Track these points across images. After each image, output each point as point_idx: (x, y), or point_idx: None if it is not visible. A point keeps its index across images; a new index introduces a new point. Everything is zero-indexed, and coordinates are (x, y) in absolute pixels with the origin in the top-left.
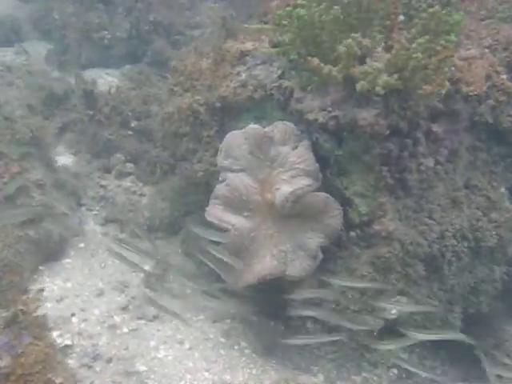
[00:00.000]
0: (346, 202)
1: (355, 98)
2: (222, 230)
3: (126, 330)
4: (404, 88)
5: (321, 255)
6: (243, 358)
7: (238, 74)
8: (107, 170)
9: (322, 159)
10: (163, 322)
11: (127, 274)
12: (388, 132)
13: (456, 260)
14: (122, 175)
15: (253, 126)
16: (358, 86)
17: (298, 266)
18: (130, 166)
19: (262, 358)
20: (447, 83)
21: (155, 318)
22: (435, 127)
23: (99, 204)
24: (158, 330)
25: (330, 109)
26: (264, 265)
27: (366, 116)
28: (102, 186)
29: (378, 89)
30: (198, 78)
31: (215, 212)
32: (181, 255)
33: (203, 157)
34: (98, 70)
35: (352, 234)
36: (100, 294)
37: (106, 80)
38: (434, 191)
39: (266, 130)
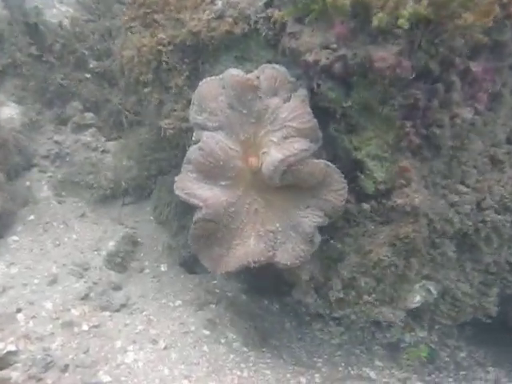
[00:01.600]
0: (356, 167)
1: (369, 32)
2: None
3: (85, 327)
4: (435, 18)
5: (319, 238)
6: (231, 356)
7: (213, 1)
8: (62, 122)
9: (324, 113)
10: (132, 313)
11: (87, 253)
12: (413, 75)
13: (495, 236)
14: (80, 128)
15: (232, 72)
16: (375, 21)
17: (289, 251)
18: (89, 117)
19: (255, 351)
20: (497, 8)
21: (122, 306)
22: (474, 66)
23: (53, 164)
24: (126, 325)
25: (334, 46)
26: (247, 248)
27: (385, 55)
28: (56, 142)
29: (401, 22)
30: (161, 10)
31: (184, 184)
32: (153, 224)
33: (172, 111)
34: None
35: (365, 206)
36: (53, 281)
37: (60, 10)
38: (468, 149)
39: (250, 76)
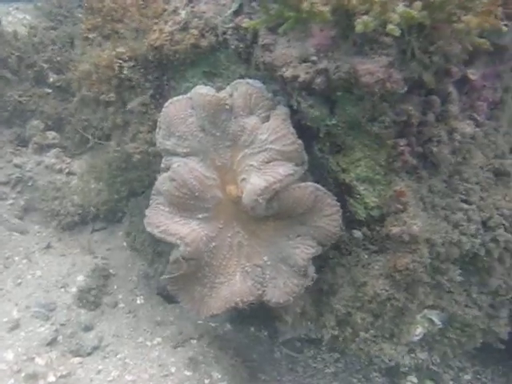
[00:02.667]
0: (345, 190)
1: (353, 41)
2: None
3: (52, 378)
4: (430, 22)
5: (313, 270)
6: None
7: (175, 11)
8: (22, 143)
9: (307, 132)
10: (105, 357)
11: (53, 291)
12: (406, 88)
13: (508, 256)
14: (42, 149)
15: (201, 90)
16: (360, 26)
17: (281, 287)
18: (52, 136)
19: None
20: (498, 10)
21: (94, 349)
22: (472, 73)
23: (15, 190)
24: (99, 372)
25: (314, 59)
26: (233, 287)
27: (372, 68)
28: (16, 166)
29: (391, 28)
30: (120, 19)
31: (157, 219)
32: (126, 250)
33: (137, 133)
34: (2, 5)
35: (356, 233)
36: (14, 326)
37: (16, 17)
38: (469, 164)
39: (222, 94)
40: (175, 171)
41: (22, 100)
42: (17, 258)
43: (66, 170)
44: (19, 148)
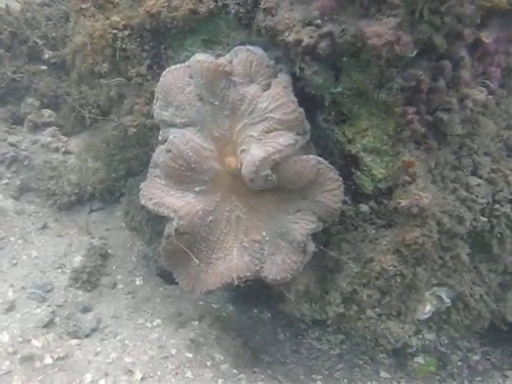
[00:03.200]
0: (351, 162)
1: (360, 2)
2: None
3: (49, 360)
4: None
5: (313, 246)
6: (220, 381)
7: None
8: (17, 121)
9: (311, 101)
10: (104, 339)
11: (50, 272)
12: (415, 52)
13: (510, 233)
14: (37, 127)
15: (199, 57)
16: None
17: (279, 264)
18: (47, 114)
19: (246, 373)
20: None
21: (93, 331)
22: (485, 36)
23: (10, 169)
24: (97, 354)
25: (318, 22)
26: (230, 262)
27: (380, 30)
28: (11, 145)
29: None
30: None
31: (152, 191)
32: (125, 230)
33: (134, 105)
34: None
35: (363, 207)
36: (10, 308)
37: None
38: (480, 134)
39: (221, 60)
40: (171, 142)
41: (15, 77)
42: (12, 239)
43: (63, 149)
44: (14, 126)
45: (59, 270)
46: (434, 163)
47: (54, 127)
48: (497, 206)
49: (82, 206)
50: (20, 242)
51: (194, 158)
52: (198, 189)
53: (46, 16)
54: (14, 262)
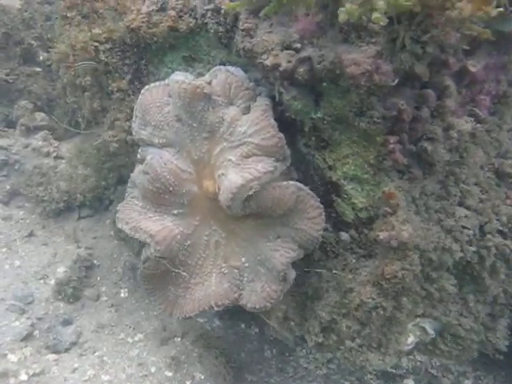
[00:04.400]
0: (332, 189)
1: (339, 28)
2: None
3: (24, 376)
4: (422, 9)
5: (293, 274)
6: None
7: None
8: (10, 124)
9: (291, 125)
10: (83, 354)
11: (32, 283)
12: (396, 81)
13: (503, 264)
14: (29, 130)
15: (177, 77)
16: (343, 15)
17: (258, 292)
18: (40, 117)
19: None
20: None
21: (72, 345)
22: (472, 64)
23: (0, 173)
24: (74, 370)
25: (297, 46)
26: (208, 289)
27: (359, 58)
28: (2, 148)
29: (376, 16)
30: None
31: (128, 214)
32: (113, 240)
33: (115, 120)
34: None
35: (344, 235)
36: None
37: None
38: (468, 163)
39: (199, 82)
40: (148, 164)
41: (8, 79)
42: None
43: (54, 154)
44: (6, 129)
45: (41, 281)
46: (418, 193)
47: (46, 131)
48: (488, 236)
49: (71, 212)
50: (4, 250)
51: (171, 180)
52: (176, 211)
53: (45, 15)
54: None
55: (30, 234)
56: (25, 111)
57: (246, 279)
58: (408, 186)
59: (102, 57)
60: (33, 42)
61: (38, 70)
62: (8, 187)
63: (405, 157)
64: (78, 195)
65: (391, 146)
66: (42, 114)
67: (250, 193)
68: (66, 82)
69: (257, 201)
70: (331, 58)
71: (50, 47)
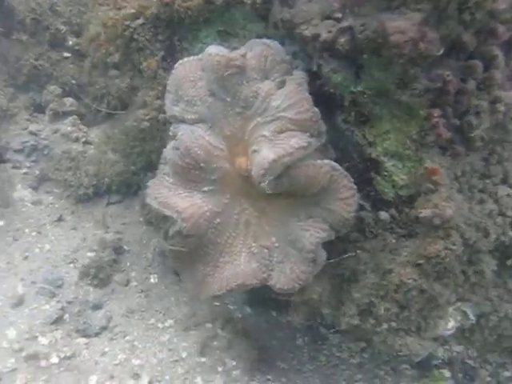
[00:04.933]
0: (371, 166)
1: None
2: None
3: (55, 359)
4: None
5: (324, 256)
6: None
7: None
8: (39, 109)
9: (329, 100)
10: (113, 339)
11: (61, 267)
12: (442, 51)
13: None
14: (58, 116)
15: (211, 50)
16: None
17: (287, 273)
18: (69, 103)
19: (259, 380)
20: None
21: (103, 329)
22: None
23: (29, 159)
24: (104, 354)
25: (338, 15)
26: (237, 268)
27: (404, 26)
28: (31, 133)
29: None
30: None
31: (158, 190)
32: (142, 225)
33: (147, 98)
34: None
35: (383, 215)
36: (18, 302)
37: None
38: None
39: (233, 54)
40: (179, 140)
41: (37, 64)
42: (27, 230)
43: (83, 139)
44: (35, 115)
45: (71, 265)
46: (461, 171)
47: (75, 116)
48: None
49: (100, 198)
50: (34, 234)
51: (202, 156)
52: (206, 188)
53: (72, 1)
54: (27, 254)
55: (60, 219)
56: (54, 96)
57: (275, 259)
58: (450, 163)
59: (134, 33)
60: (61, 26)
61: (67, 55)
62: (37, 172)
63: (449, 132)
64: (106, 180)
65: (435, 119)
66: (71, 100)
67: (283, 168)
68: (96, 61)
69: (289, 178)
70: (374, 27)
71: (78, 32)
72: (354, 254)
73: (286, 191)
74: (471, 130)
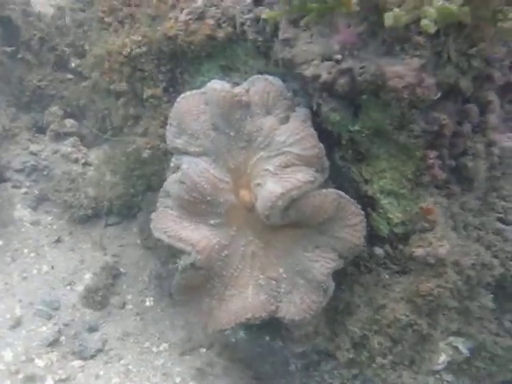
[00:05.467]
0: (367, 203)
1: (382, 39)
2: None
3: (50, 382)
4: (472, 20)
5: (332, 286)
6: None
7: None
8: (40, 130)
9: (327, 137)
10: (108, 362)
11: (59, 289)
12: (439, 95)
13: None
14: (59, 137)
15: (216, 85)
16: (389, 20)
17: (297, 303)
18: (70, 124)
19: None
20: None
21: (98, 352)
22: None
23: (29, 178)
24: (99, 377)
25: (338, 57)
26: (245, 301)
27: (402, 71)
28: (32, 153)
29: (425, 23)
30: (138, 4)
31: (165, 223)
32: (139, 248)
33: (149, 127)
34: None
35: (378, 250)
36: (16, 324)
37: None
38: (509, 180)
39: (238, 90)
40: (185, 173)
41: (41, 85)
42: (26, 251)
43: (83, 161)
44: (37, 135)
45: (68, 287)
46: (457, 209)
47: (76, 137)
48: None
49: (98, 219)
50: (32, 255)
51: (209, 189)
52: (213, 222)
53: (78, 22)
54: (25, 275)
55: (58, 240)
56: (55, 117)
57: (283, 290)
58: (447, 202)
59: (138, 63)
60: (65, 48)
61: (70, 76)
62: (36, 192)
63: (444, 172)
64: (106, 202)
65: (430, 160)
66: (72, 121)
67: (290, 201)
68: (98, 87)
69: (297, 210)
70: (373, 71)
71: (82, 54)
72: None
73: (293, 222)
74: (467, 171)
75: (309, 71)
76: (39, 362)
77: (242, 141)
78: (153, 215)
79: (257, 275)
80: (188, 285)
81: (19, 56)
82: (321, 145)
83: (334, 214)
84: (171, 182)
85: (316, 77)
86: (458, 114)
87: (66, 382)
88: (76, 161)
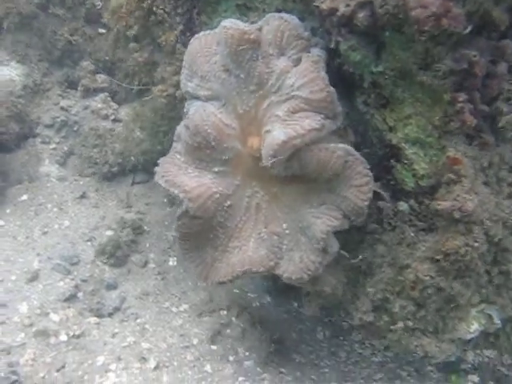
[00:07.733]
0: (391, 153)
1: None
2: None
3: (64, 337)
4: None
5: (335, 247)
6: (240, 379)
7: None
8: (71, 85)
9: (349, 80)
10: (125, 320)
11: (79, 244)
12: (469, 29)
13: None
14: (90, 92)
15: (228, 23)
16: None
17: (296, 262)
18: (101, 79)
19: (271, 373)
20: None
21: (115, 310)
22: None
23: (59, 134)
24: (114, 335)
25: None
26: (244, 254)
27: (427, 0)
28: (62, 109)
29: None
30: None
31: (167, 168)
32: (166, 206)
33: (165, 74)
34: None
35: (402, 206)
36: (33, 277)
37: None
38: None
39: (249, 28)
40: (190, 118)
41: (72, 39)
42: (49, 206)
43: (112, 117)
44: (68, 90)
45: (89, 243)
46: (489, 162)
47: (106, 93)
48: None
49: (125, 177)
50: (55, 209)
51: (213, 135)
52: (216, 169)
53: None
54: (46, 230)
55: (82, 196)
56: (86, 72)
57: (285, 247)
58: (477, 153)
59: (154, 5)
60: (98, 2)
61: (102, 31)
62: (65, 148)
63: (475, 118)
64: (132, 158)
65: (460, 105)
66: (103, 76)
67: (293, 151)
68: (118, 33)
69: (300, 161)
70: (395, 1)
71: None
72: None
73: (298, 175)
74: (502, 118)
75: (325, 4)
76: (54, 317)
77: (252, 84)
78: (160, 159)
79: (260, 228)
80: (187, 233)
81: (49, 11)
82: (331, 88)
83: (340, 172)
84: (181, 126)
85: (333, 10)
86: (492, 52)
87: (79, 338)
88: (106, 117)
